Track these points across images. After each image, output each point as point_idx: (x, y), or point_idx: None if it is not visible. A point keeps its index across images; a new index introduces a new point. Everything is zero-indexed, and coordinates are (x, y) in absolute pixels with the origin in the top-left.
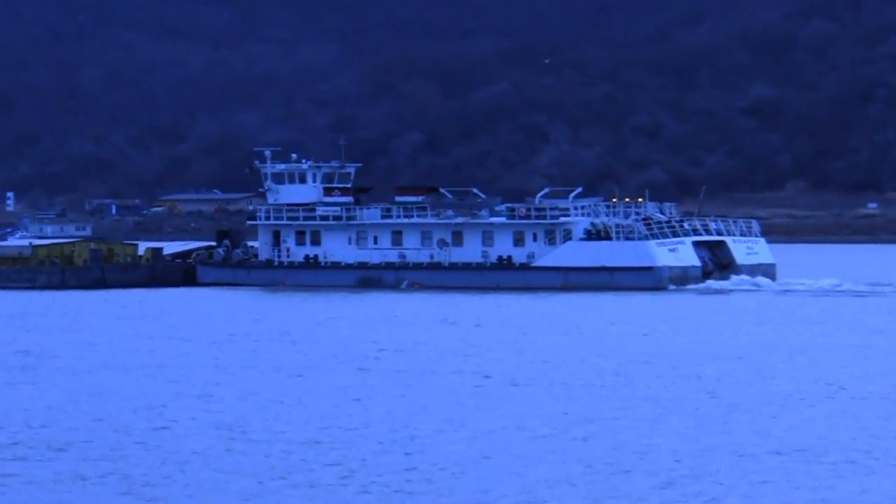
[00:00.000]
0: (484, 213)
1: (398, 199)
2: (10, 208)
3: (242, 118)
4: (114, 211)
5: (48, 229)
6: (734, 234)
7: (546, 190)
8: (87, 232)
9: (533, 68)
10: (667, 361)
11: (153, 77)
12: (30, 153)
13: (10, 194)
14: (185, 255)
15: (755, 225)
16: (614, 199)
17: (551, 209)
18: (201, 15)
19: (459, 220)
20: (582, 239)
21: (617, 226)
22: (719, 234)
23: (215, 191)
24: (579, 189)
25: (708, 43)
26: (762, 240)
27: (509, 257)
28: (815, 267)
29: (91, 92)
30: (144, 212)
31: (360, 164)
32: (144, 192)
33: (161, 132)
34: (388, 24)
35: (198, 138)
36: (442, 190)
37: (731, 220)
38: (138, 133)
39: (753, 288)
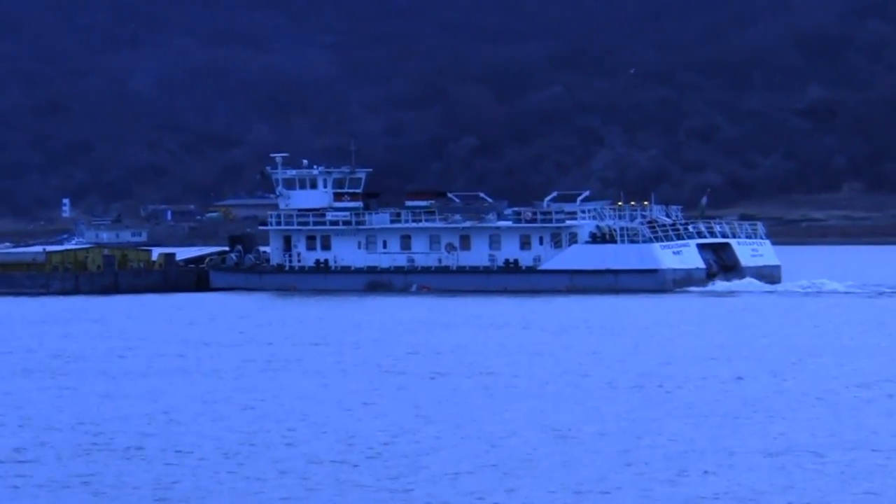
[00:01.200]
0: (491, 217)
1: (408, 203)
2: (65, 214)
3: (295, 123)
4: (169, 217)
5: (104, 235)
6: (739, 237)
7: (554, 194)
8: (143, 237)
9: (586, 71)
10: (725, 363)
11: (206, 83)
12: (85, 160)
13: (65, 201)
14: (198, 260)
15: (760, 227)
16: (619, 203)
17: (557, 213)
18: (254, 20)
19: (467, 224)
20: (587, 242)
21: (621, 229)
22: (724, 236)
23: (269, 196)
24: (587, 192)
25: (762, 44)
26: (767, 242)
27: (516, 261)
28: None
29: (145, 98)
30: (199, 217)
31: (370, 170)
32: (199, 198)
33: (215, 138)
34: (441, 27)
35: (251, 143)
36: (450, 195)
37: (736, 223)
38: (192, 139)
39: (772, 291)
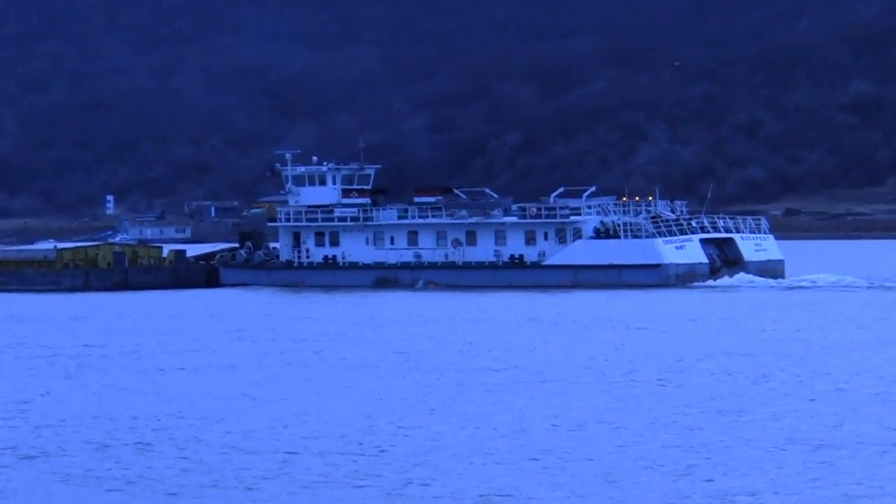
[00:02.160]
0: (497, 212)
1: (417, 199)
2: (110, 212)
3: (339, 121)
4: (213, 213)
5: (148, 232)
6: (743, 232)
7: (561, 189)
8: (187, 234)
9: (631, 67)
10: (771, 357)
11: (251, 80)
12: (129, 157)
13: (109, 198)
14: (208, 257)
15: (764, 222)
16: (624, 198)
17: (561, 208)
18: (299, 18)
19: (473, 220)
20: (591, 237)
21: (625, 224)
22: (727, 231)
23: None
24: (593, 188)
25: (807, 39)
26: (771, 236)
27: (521, 256)
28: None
29: (189, 96)
30: (243, 213)
31: (379, 166)
32: (243, 195)
33: (259, 135)
34: (485, 24)
35: (296, 141)
36: (456, 191)
37: (739, 218)
38: (236, 136)
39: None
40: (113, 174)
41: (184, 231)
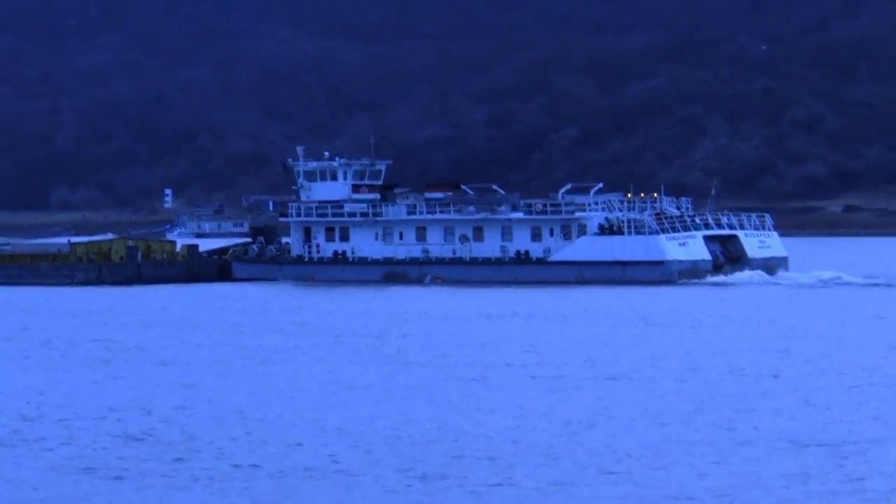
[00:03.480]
0: (504, 208)
1: (428, 195)
2: (168, 205)
3: (398, 114)
4: (271, 207)
5: (206, 226)
6: (747, 229)
7: (568, 186)
8: (244, 228)
9: (690, 61)
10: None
11: (308, 73)
12: (187, 150)
13: (168, 191)
14: (221, 251)
15: (768, 219)
16: (629, 195)
17: (566, 205)
18: (356, 11)
19: (479, 215)
20: (595, 234)
21: (628, 220)
22: (731, 227)
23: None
24: (600, 185)
25: (867, 34)
26: (775, 233)
27: (527, 252)
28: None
29: (247, 89)
30: None
31: (390, 162)
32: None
33: (316, 128)
34: (543, 18)
35: (353, 134)
36: (463, 187)
37: (744, 215)
38: (294, 129)
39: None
40: (171, 168)
41: (242, 225)
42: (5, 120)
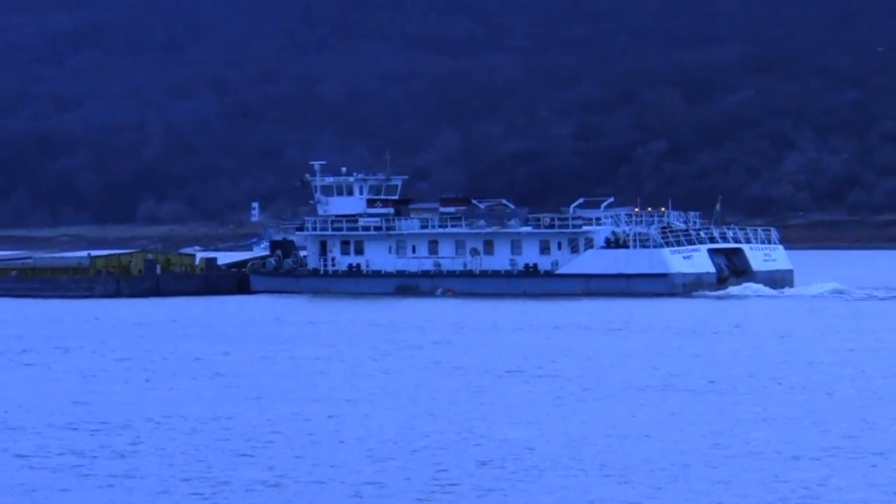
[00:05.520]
0: (513, 223)
1: (442, 210)
2: (254, 219)
3: (484, 128)
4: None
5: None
6: (752, 242)
7: (580, 200)
8: None
9: (777, 74)
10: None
11: (395, 88)
12: (274, 164)
13: (255, 205)
14: (240, 264)
15: (774, 233)
16: (636, 209)
17: (574, 218)
18: (442, 25)
19: (490, 229)
20: (602, 247)
21: (634, 234)
22: (736, 241)
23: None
24: (611, 199)
25: None
26: (780, 247)
27: (535, 265)
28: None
29: (333, 103)
30: None
31: (406, 177)
32: None
33: (403, 143)
34: (630, 31)
35: (440, 148)
36: (473, 201)
37: (749, 229)
38: (381, 144)
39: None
40: (258, 181)
41: None
42: (93, 134)
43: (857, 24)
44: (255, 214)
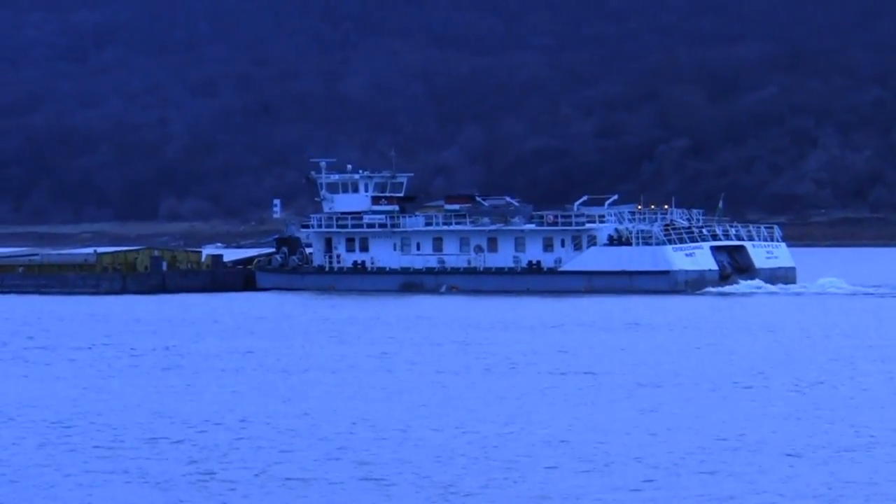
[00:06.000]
0: (517, 220)
1: (447, 207)
2: (276, 216)
3: (507, 125)
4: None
5: None
6: (755, 239)
7: (585, 198)
8: None
9: (800, 72)
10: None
11: (418, 85)
12: (296, 161)
13: (276, 202)
14: (246, 261)
15: (777, 230)
16: (640, 207)
17: (577, 216)
18: (465, 22)
19: (493, 227)
20: (605, 244)
21: (637, 232)
22: (739, 238)
23: (480, 197)
24: (615, 196)
25: None
26: (783, 244)
27: (538, 262)
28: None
29: (357, 100)
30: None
31: (411, 174)
32: None
33: (426, 139)
34: (653, 29)
35: (462, 145)
36: (478, 198)
37: (752, 226)
38: (403, 140)
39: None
40: (280, 178)
41: None
42: (115, 131)
43: (880, 22)
44: (277, 211)
